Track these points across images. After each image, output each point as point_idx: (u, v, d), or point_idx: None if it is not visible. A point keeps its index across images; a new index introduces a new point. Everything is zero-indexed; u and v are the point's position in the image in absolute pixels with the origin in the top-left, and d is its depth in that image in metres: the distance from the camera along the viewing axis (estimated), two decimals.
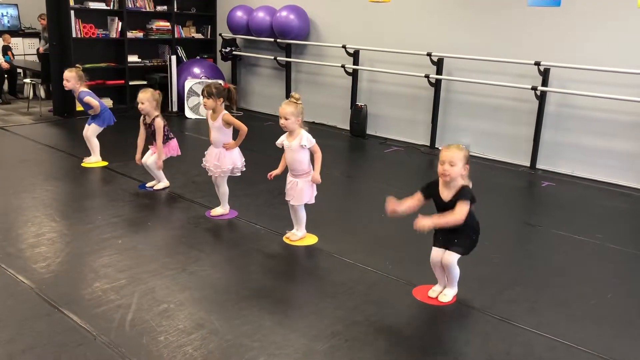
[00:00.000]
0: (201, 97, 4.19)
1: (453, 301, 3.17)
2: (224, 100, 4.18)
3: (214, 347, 2.66)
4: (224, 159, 4.18)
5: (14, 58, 9.71)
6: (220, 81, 4.23)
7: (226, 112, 4.18)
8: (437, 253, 3.11)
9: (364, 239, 4.06)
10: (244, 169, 4.30)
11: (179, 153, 4.93)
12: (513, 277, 3.56)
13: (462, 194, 2.94)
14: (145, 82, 8.41)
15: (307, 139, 3.68)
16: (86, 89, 5.48)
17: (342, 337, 2.78)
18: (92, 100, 5.43)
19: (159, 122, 4.69)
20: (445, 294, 3.17)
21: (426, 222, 2.89)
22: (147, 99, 4.65)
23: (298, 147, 3.69)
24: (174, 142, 4.85)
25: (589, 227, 4.46)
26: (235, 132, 4.21)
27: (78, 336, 2.70)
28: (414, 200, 3.09)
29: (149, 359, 2.55)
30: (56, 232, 3.92)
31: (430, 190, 3.07)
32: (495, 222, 4.41)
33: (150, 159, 4.80)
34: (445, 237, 3.07)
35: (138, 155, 4.82)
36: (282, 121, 3.65)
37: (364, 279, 3.41)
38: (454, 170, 2.91)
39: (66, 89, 5.51)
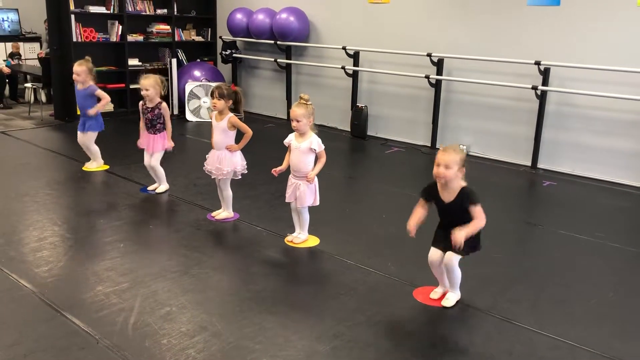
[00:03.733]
0: (208, 98, 4.19)
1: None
2: (232, 103, 4.19)
3: (216, 349, 2.66)
4: (225, 161, 4.17)
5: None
6: (227, 84, 4.22)
7: (232, 114, 4.18)
8: (435, 253, 3.10)
9: (366, 240, 4.06)
10: (245, 172, 4.30)
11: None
12: (514, 276, 3.56)
13: (471, 199, 2.94)
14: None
15: (317, 143, 3.69)
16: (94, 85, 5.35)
17: (345, 339, 2.79)
18: (102, 93, 5.31)
19: (165, 105, 4.71)
20: (448, 298, 3.16)
21: (461, 236, 2.87)
22: (151, 85, 4.64)
23: (306, 150, 3.69)
24: (164, 134, 4.82)
25: (590, 226, 4.46)
26: (239, 136, 4.22)
27: (80, 340, 2.70)
28: (420, 208, 3.10)
29: None
30: (58, 236, 3.93)
31: (430, 193, 3.08)
32: (497, 222, 4.40)
33: (152, 159, 4.81)
34: (447, 240, 3.02)
35: (141, 140, 4.82)
36: (294, 124, 3.66)
37: (366, 280, 3.41)
38: (448, 173, 2.91)
39: (76, 83, 5.34)
